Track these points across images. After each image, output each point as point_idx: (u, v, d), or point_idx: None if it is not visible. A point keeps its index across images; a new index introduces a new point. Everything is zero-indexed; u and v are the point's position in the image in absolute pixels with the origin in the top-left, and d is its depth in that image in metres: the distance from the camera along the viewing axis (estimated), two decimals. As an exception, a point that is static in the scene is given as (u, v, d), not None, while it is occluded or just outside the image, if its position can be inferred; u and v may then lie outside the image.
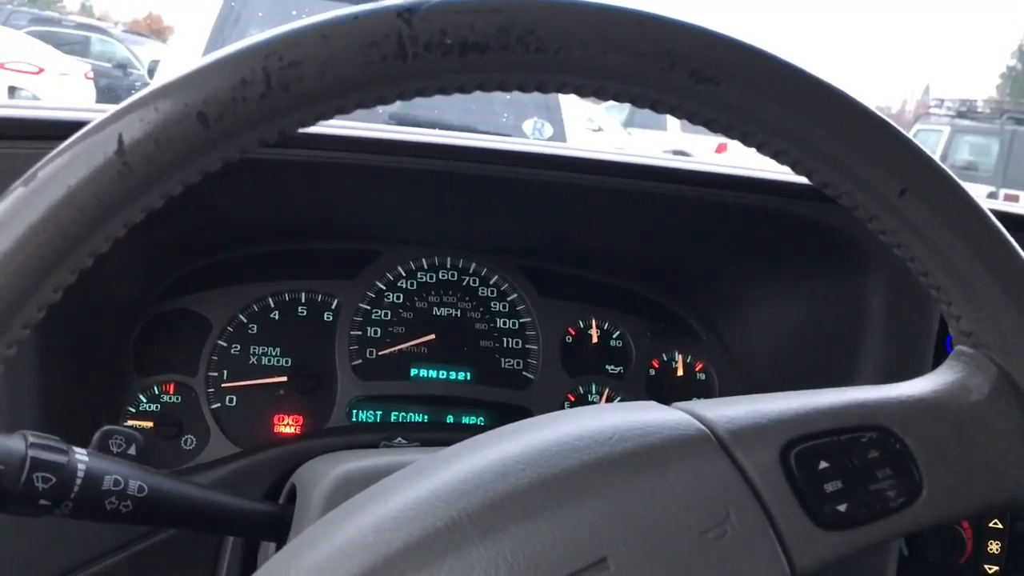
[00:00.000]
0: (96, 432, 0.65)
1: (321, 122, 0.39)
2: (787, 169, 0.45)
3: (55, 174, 0.35)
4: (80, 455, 0.59)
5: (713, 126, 0.43)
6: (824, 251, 0.94)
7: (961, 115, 11.02)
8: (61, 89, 8.80)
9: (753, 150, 0.44)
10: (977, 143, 10.48)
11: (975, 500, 0.44)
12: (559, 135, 3.83)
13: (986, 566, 0.89)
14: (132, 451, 0.65)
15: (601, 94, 0.42)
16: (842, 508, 0.41)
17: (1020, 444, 0.44)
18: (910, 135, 0.44)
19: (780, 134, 0.42)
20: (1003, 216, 0.83)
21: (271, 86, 0.36)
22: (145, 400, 0.99)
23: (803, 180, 0.45)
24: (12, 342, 0.35)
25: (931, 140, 10.17)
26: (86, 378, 0.92)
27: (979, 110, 11.51)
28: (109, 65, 11.05)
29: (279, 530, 0.72)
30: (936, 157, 0.45)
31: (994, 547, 0.89)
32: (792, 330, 1.02)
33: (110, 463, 0.61)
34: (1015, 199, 8.40)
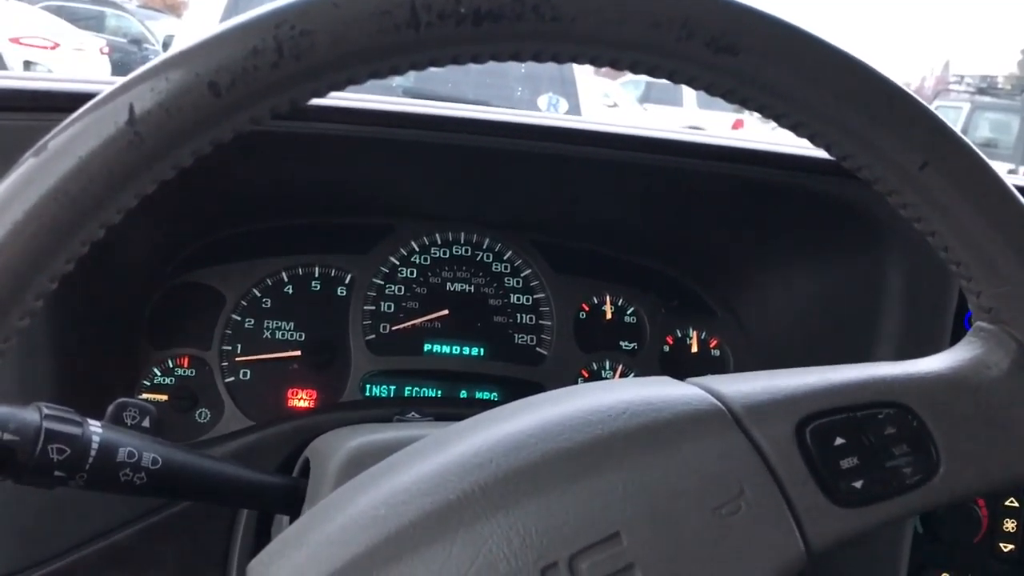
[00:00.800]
0: (110, 404, 0.65)
1: (334, 94, 0.38)
2: (804, 143, 0.45)
3: (66, 144, 0.35)
4: (94, 427, 0.59)
5: (731, 97, 0.42)
6: (841, 226, 0.93)
7: (981, 91, 10.89)
8: (76, 64, 8.81)
9: (771, 125, 0.44)
10: (997, 120, 10.36)
11: (992, 478, 0.43)
12: (574, 110, 3.81)
13: (1001, 544, 0.89)
14: (146, 423, 0.65)
15: (617, 64, 0.41)
16: (858, 485, 0.41)
17: None
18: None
19: (799, 105, 0.42)
20: (1024, 191, 0.82)
21: (283, 55, 0.35)
22: (159, 373, 0.99)
23: (821, 154, 0.45)
24: (24, 314, 0.35)
25: (950, 117, 10.08)
26: (100, 351, 0.93)
27: (999, 86, 11.37)
28: (124, 40, 11.05)
29: (293, 503, 0.72)
30: (957, 133, 0.44)
31: (1010, 526, 0.89)
32: (808, 306, 1.01)
33: (124, 435, 0.61)
34: (1035, 176, 8.29)
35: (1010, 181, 0.45)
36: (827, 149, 0.44)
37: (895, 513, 0.42)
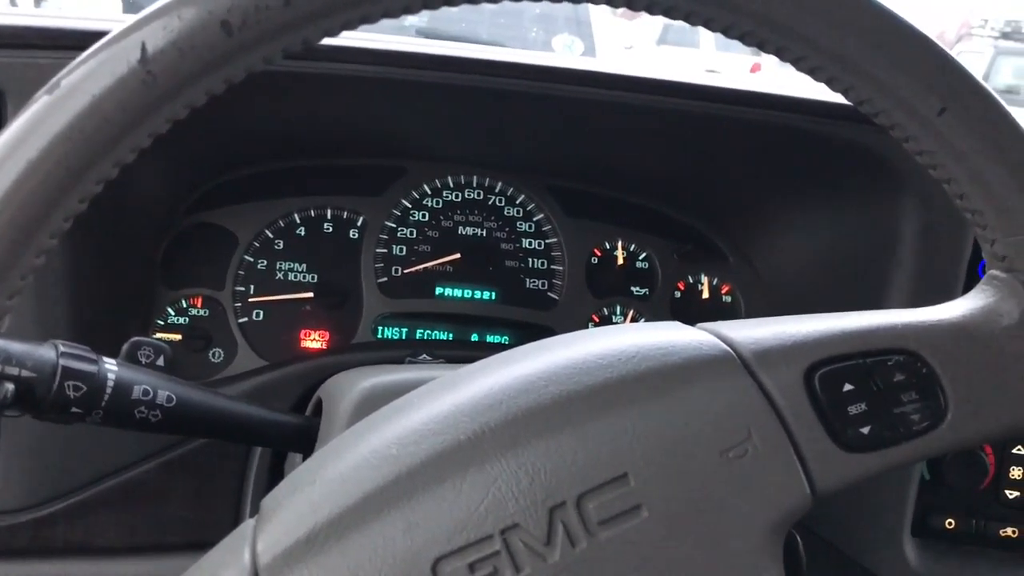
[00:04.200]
0: (125, 343, 0.66)
1: (347, 33, 0.38)
2: (820, 88, 0.44)
3: (79, 83, 0.35)
4: (110, 365, 0.60)
5: (749, 40, 0.42)
6: (856, 172, 0.92)
7: (1005, 36, 10.67)
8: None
9: (789, 70, 0.43)
10: (1020, 65, 10.17)
11: (1000, 425, 0.44)
12: (589, 52, 3.76)
13: (1007, 491, 0.90)
14: (160, 362, 0.66)
15: (634, 5, 0.40)
16: (865, 431, 0.41)
17: None
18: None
19: (816, 48, 0.41)
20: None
21: None
22: (173, 313, 1.00)
23: (837, 98, 0.44)
24: (40, 252, 0.36)
25: (973, 62, 9.90)
26: (115, 291, 0.93)
27: (1024, 31, 11.14)
28: (135, -24, 10.93)
29: (306, 441, 0.73)
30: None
31: (1016, 473, 0.89)
32: (821, 252, 1.01)
33: (139, 373, 0.62)
34: (1056, 124, 8.16)
35: None
36: (844, 94, 0.43)
37: (901, 459, 0.42)
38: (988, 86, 0.43)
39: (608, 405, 0.40)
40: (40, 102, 0.35)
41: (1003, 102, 0.43)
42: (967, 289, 0.48)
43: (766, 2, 0.39)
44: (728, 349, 0.43)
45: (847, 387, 0.42)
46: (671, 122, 0.94)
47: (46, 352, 0.57)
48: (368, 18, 0.37)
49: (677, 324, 0.46)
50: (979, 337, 0.44)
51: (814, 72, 0.42)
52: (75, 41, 0.79)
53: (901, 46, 0.41)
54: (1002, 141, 0.43)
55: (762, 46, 0.42)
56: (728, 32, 0.41)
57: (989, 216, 0.44)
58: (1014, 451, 0.89)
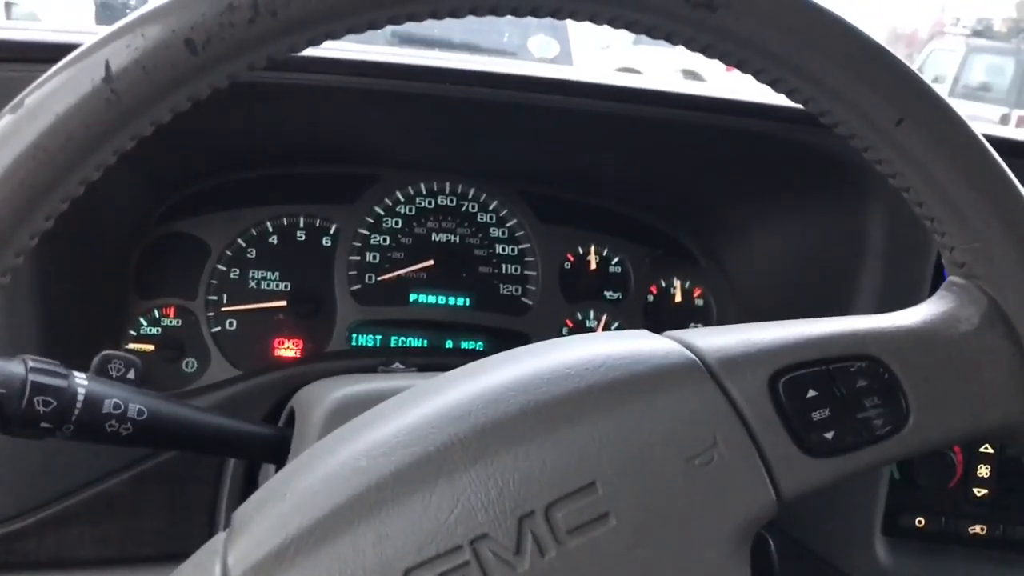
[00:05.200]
0: (95, 357, 0.66)
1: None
2: None
3: (42, 101, 0.35)
4: (80, 379, 0.60)
5: (710, 52, 0.42)
6: (825, 177, 0.93)
7: (977, 34, 10.77)
8: (57, 2, 8.63)
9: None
10: (992, 63, 10.27)
11: (960, 429, 0.44)
12: (565, 53, 3.77)
13: (975, 490, 0.91)
14: (131, 375, 0.66)
15: (596, 19, 0.41)
16: (829, 436, 0.42)
17: (1007, 374, 0.44)
18: (924, 54, 0.43)
19: (777, 61, 0.42)
20: (1003, 142, 0.82)
21: (259, 11, 0.35)
22: (146, 323, 1.00)
23: None
24: (5, 270, 0.36)
25: (945, 60, 9.98)
26: (86, 303, 0.93)
27: (995, 29, 11.24)
28: (106, -20, 10.84)
29: (279, 452, 0.73)
30: (950, 77, 0.44)
31: (984, 471, 0.91)
32: (791, 257, 1.02)
33: (110, 387, 0.62)
34: (1029, 121, 8.28)
35: (989, 132, 0.45)
36: (804, 104, 0.44)
37: (865, 463, 0.43)
38: (944, 97, 0.44)
39: (575, 414, 0.40)
40: (4, 120, 0.35)
41: (959, 112, 0.44)
42: (933, 294, 0.49)
43: (727, 17, 0.40)
44: (693, 357, 0.43)
45: (811, 393, 0.43)
46: (642, 129, 0.95)
47: (15, 368, 0.56)
48: (332, 34, 0.38)
49: (644, 333, 0.47)
50: (939, 342, 0.45)
51: (775, 84, 0.43)
52: (41, 54, 0.78)
53: (859, 59, 0.42)
54: (958, 151, 0.44)
55: (723, 59, 0.43)
56: (689, 45, 0.42)
57: (947, 224, 0.45)
58: (981, 450, 0.90)
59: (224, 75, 0.36)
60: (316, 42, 0.38)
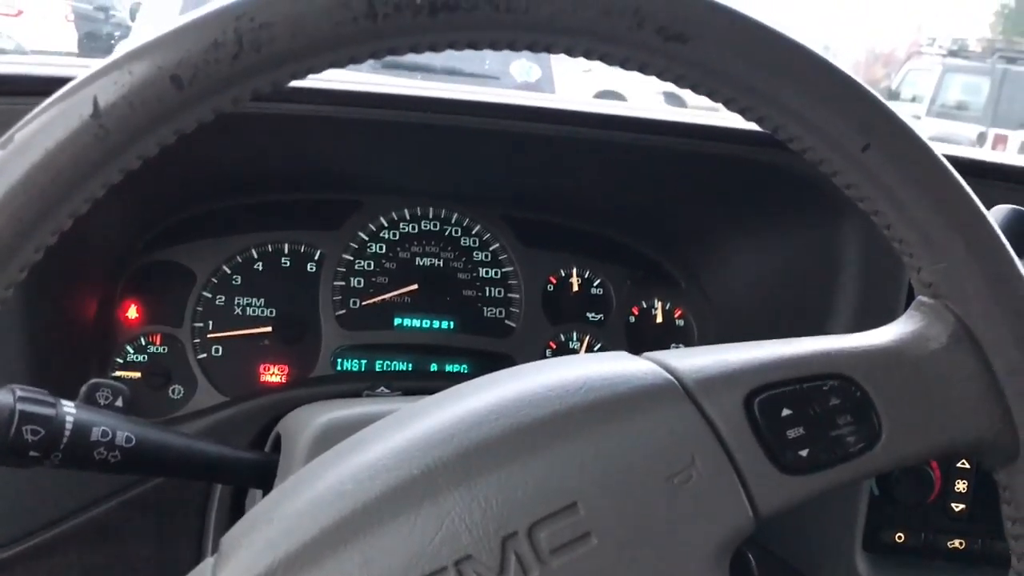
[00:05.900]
0: (83, 385, 0.66)
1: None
2: None
3: (32, 137, 0.36)
4: (68, 407, 0.60)
5: (681, 83, 0.43)
6: (800, 199, 0.95)
7: (953, 54, 10.90)
8: (41, 32, 8.63)
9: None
10: (968, 82, 10.39)
11: (931, 445, 0.45)
12: (547, 77, 3.78)
13: (953, 504, 0.92)
14: (119, 403, 0.66)
15: (571, 52, 0.42)
16: (803, 453, 0.43)
17: (975, 392, 0.45)
18: (901, 74, 0.44)
19: (746, 91, 0.43)
20: (967, 163, 0.84)
21: (243, 47, 0.36)
22: (132, 351, 1.00)
23: None
24: None
25: (922, 80, 10.09)
26: (73, 331, 0.93)
27: (971, 49, 11.40)
28: (90, 7, 10.81)
29: (265, 478, 0.74)
30: (927, 97, 0.45)
31: (961, 486, 0.92)
32: (770, 277, 1.03)
33: (98, 415, 0.62)
34: (1004, 139, 8.37)
35: (954, 152, 0.46)
36: (774, 132, 0.45)
37: (839, 480, 0.44)
38: (909, 122, 0.46)
39: (557, 436, 0.41)
40: None
41: (924, 137, 0.45)
42: None
43: (697, 49, 0.41)
44: (671, 378, 0.44)
45: (785, 412, 0.44)
46: (622, 154, 0.96)
47: (3, 397, 0.57)
48: (314, 69, 0.39)
49: (623, 354, 0.48)
50: (909, 361, 0.46)
51: (745, 113, 0.44)
52: (29, 87, 0.79)
53: (825, 87, 0.43)
54: (924, 175, 0.45)
55: (695, 89, 0.44)
56: (662, 76, 0.43)
57: (915, 245, 0.46)
58: (958, 465, 0.92)
59: (210, 109, 0.37)
60: (299, 76, 0.39)
